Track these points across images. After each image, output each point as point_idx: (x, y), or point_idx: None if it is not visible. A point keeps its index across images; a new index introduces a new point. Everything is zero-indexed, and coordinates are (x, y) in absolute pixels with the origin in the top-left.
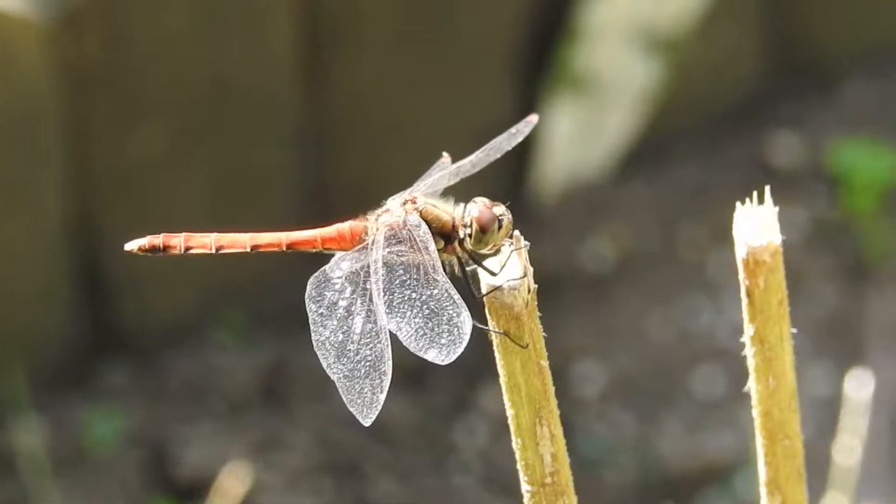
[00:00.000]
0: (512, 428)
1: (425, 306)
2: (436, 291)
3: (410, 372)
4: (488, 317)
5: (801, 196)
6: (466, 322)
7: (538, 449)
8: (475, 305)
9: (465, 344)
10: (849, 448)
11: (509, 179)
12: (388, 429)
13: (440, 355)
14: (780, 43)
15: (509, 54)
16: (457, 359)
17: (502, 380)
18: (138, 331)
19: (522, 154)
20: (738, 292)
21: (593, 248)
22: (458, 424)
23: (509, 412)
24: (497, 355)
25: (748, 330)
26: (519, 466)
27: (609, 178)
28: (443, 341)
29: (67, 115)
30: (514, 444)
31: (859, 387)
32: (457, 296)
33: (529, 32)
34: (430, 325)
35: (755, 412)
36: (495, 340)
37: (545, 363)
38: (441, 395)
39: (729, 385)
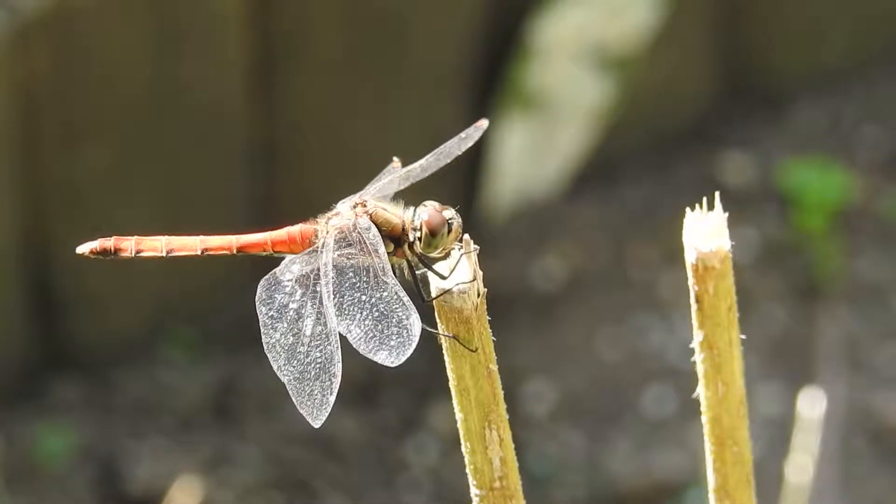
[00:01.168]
0: (461, 432)
1: (375, 309)
2: (385, 294)
3: (361, 388)
4: (438, 320)
5: (752, 216)
6: (415, 324)
7: (487, 453)
8: (425, 309)
9: (414, 345)
10: (801, 466)
11: (460, 196)
12: (338, 445)
13: (389, 357)
14: (730, 63)
15: (460, 72)
16: (408, 376)
17: (451, 384)
18: (89, 347)
19: (473, 171)
20: (688, 312)
21: (543, 266)
22: (409, 441)
23: (458, 416)
24: (446, 359)
25: (697, 336)
26: (468, 470)
27: (559, 196)
28: (392, 343)
29: (18, 132)
30: (463, 448)
31: (811, 405)
32: (406, 298)
33: (481, 50)
34: (379, 327)
35: (704, 418)
36: (444, 344)
37: (494, 367)
38: (392, 412)
39: (679, 404)
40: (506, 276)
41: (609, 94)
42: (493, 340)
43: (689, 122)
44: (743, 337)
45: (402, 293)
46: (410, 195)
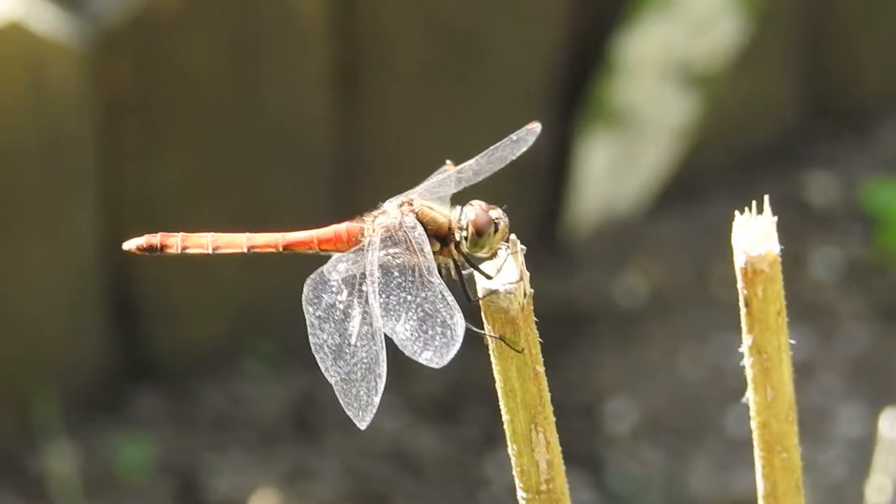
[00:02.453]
0: (507, 434)
1: (420, 308)
2: (430, 294)
3: (442, 404)
4: (484, 321)
5: (836, 235)
6: (459, 324)
7: (533, 455)
8: (472, 309)
9: (457, 346)
10: (882, 487)
11: (543, 211)
12: (418, 460)
13: (434, 358)
14: (814, 81)
15: (543, 88)
16: (489, 391)
17: (498, 385)
18: (170, 359)
19: (556, 187)
20: None
21: (626, 283)
22: (490, 458)
23: (505, 418)
24: (493, 360)
25: (746, 340)
26: (514, 473)
27: (642, 213)
28: (436, 343)
29: (100, 141)
30: (509, 451)
31: (893, 426)
32: (451, 298)
33: (565, 66)
34: (424, 327)
35: (753, 424)
36: (491, 345)
37: (541, 369)
38: (473, 428)
39: None
40: (588, 292)
41: (693, 111)
42: (541, 342)
43: (773, 140)
44: (792, 342)
45: (447, 293)
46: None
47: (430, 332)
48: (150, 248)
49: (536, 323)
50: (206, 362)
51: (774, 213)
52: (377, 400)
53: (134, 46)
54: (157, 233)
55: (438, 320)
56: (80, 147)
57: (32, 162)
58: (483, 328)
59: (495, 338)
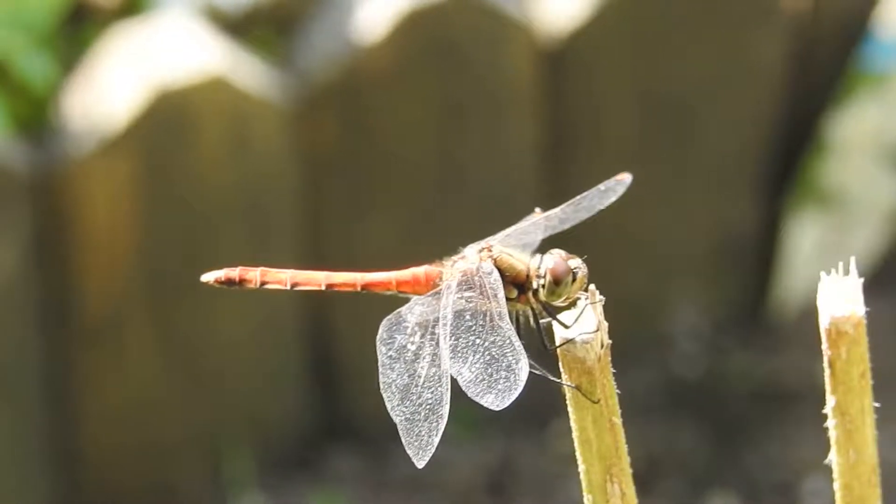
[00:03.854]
0: (583, 484)
1: (487, 352)
2: (498, 338)
3: (639, 475)
4: (561, 370)
5: None
6: (523, 369)
7: None
8: (550, 358)
9: (519, 390)
10: None
11: (751, 290)
12: None
13: (495, 401)
14: None
15: (752, 164)
16: (686, 464)
17: (574, 434)
18: (368, 419)
19: (765, 266)
20: None
21: None
22: None
23: (581, 468)
24: (569, 409)
25: (830, 401)
26: None
27: None
28: (499, 387)
29: (302, 199)
30: (585, 501)
31: None
32: (518, 343)
33: (775, 144)
34: (489, 370)
35: (836, 485)
36: (568, 394)
37: (618, 420)
38: (667, 502)
39: None
40: (792, 371)
41: None
42: (618, 393)
43: None
44: (877, 405)
45: (515, 338)
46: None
47: (494, 376)
48: (229, 282)
49: (737, 398)
50: None
51: None
52: (437, 440)
53: (340, 104)
54: (236, 266)
55: (504, 364)
56: (282, 204)
57: (234, 217)
58: (560, 377)
59: (571, 387)
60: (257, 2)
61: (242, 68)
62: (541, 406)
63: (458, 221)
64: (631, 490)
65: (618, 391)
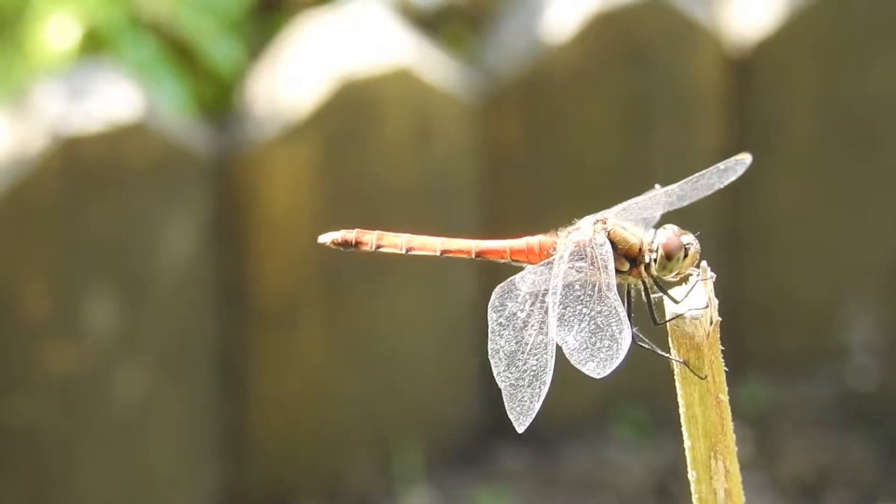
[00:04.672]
0: (688, 460)
1: (593, 321)
2: (605, 308)
3: (808, 487)
4: (671, 345)
5: None
6: (626, 339)
7: (712, 483)
8: (660, 334)
9: (620, 358)
10: None
11: None
12: None
13: (597, 369)
14: None
15: None
16: (856, 477)
17: (681, 410)
18: (539, 419)
19: None
20: None
21: None
22: None
23: (686, 443)
24: (677, 384)
25: None
26: (693, 500)
27: None
28: (601, 355)
29: (481, 193)
30: (689, 476)
31: None
32: (623, 313)
33: None
34: (593, 339)
35: None
36: (675, 369)
37: (724, 397)
38: None
39: None
40: None
41: None
42: (726, 371)
43: None
44: None
45: (621, 308)
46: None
47: (598, 345)
48: (346, 244)
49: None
50: (575, 424)
51: None
52: (538, 406)
53: (525, 102)
54: (353, 228)
55: (608, 333)
56: (462, 198)
57: (413, 208)
58: (669, 352)
59: (680, 362)
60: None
61: (429, 62)
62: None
63: None
64: (735, 468)
65: (726, 369)
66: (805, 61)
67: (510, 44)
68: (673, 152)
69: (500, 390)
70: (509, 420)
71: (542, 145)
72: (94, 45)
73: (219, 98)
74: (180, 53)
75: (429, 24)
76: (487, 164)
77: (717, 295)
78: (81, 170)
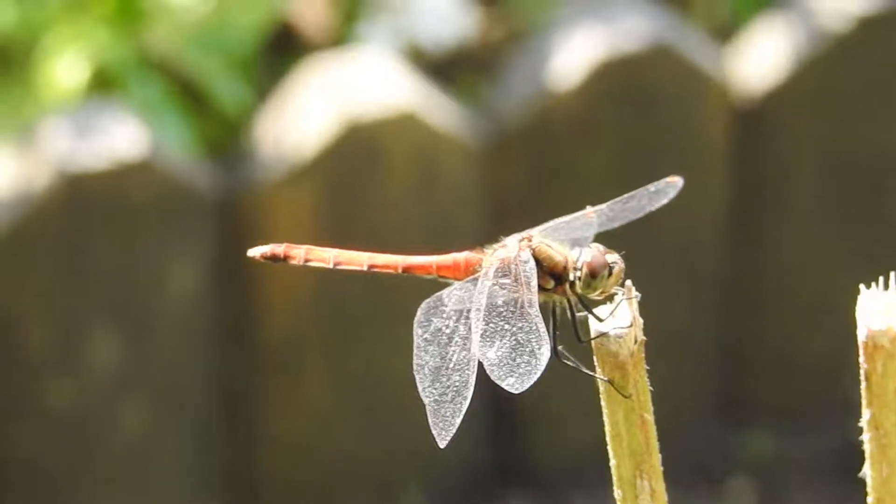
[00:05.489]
0: (614, 479)
1: (514, 337)
2: (526, 324)
3: None
4: (595, 363)
5: None
6: (545, 354)
7: (638, 502)
8: (583, 351)
9: (538, 374)
10: None
11: None
12: None
13: (515, 384)
14: None
15: None
16: None
17: (606, 429)
18: (544, 463)
19: None
20: None
21: None
22: None
23: (612, 462)
24: (602, 403)
25: (865, 415)
26: None
27: None
28: (520, 371)
29: (486, 238)
30: (615, 495)
31: None
32: (543, 329)
33: None
34: (512, 355)
35: (869, 499)
36: (600, 388)
37: (649, 416)
38: None
39: None
40: None
41: None
42: (651, 391)
43: None
44: None
45: (541, 325)
46: None
47: (517, 360)
48: (274, 257)
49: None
50: (579, 469)
51: None
52: (458, 421)
53: (529, 148)
54: (282, 243)
55: (528, 349)
56: (467, 242)
57: (417, 251)
58: (594, 370)
59: (604, 381)
60: (459, 45)
61: (435, 106)
62: (715, 462)
63: (646, 273)
64: (660, 486)
65: (651, 388)
66: (813, 112)
67: (516, 90)
68: (677, 202)
69: (503, 434)
70: (515, 464)
71: (546, 191)
72: (103, 83)
73: (225, 138)
74: (188, 93)
75: (439, 71)
76: (492, 209)
77: (726, 345)
78: (86, 206)
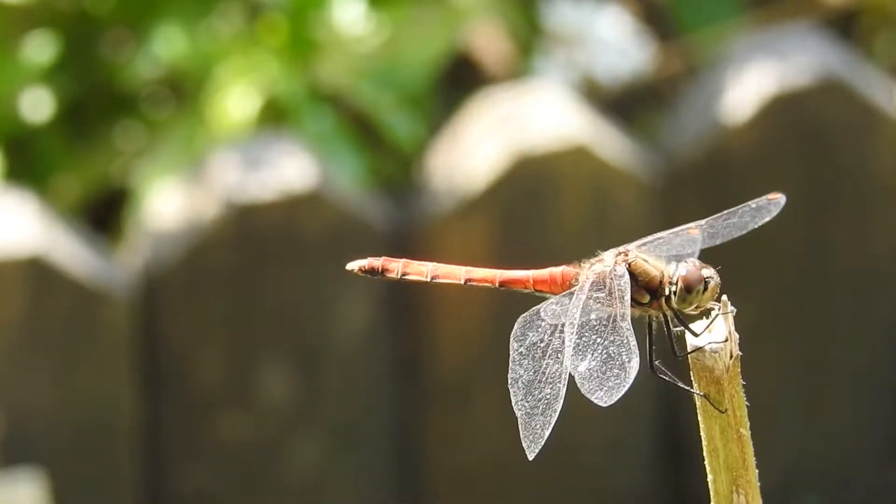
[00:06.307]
0: (711, 493)
1: (605, 351)
2: (618, 338)
3: None
4: (692, 378)
5: None
6: (634, 368)
7: None
8: (681, 366)
9: (626, 387)
10: None
11: None
12: None
13: (604, 397)
14: None
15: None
16: None
17: (703, 443)
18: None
19: None
20: None
21: None
22: None
23: (709, 477)
24: (699, 418)
25: None
26: None
27: None
28: (609, 384)
29: None
30: None
31: None
32: (633, 343)
33: None
34: (603, 368)
35: None
36: (697, 402)
37: (745, 432)
38: None
39: None
40: None
41: None
42: (748, 406)
43: None
44: None
45: (633, 339)
46: None
47: (607, 373)
48: (372, 271)
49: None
50: None
51: None
52: (548, 433)
53: (701, 183)
54: (380, 256)
55: (618, 362)
56: None
57: None
58: (691, 385)
59: (700, 395)
60: (635, 79)
61: (607, 140)
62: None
63: (822, 313)
64: (757, 501)
65: (747, 403)
66: None
67: (689, 124)
68: (854, 241)
69: (677, 468)
70: (686, 495)
71: None
72: (274, 116)
73: (398, 172)
74: (360, 126)
75: (614, 105)
76: None
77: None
78: (256, 239)
